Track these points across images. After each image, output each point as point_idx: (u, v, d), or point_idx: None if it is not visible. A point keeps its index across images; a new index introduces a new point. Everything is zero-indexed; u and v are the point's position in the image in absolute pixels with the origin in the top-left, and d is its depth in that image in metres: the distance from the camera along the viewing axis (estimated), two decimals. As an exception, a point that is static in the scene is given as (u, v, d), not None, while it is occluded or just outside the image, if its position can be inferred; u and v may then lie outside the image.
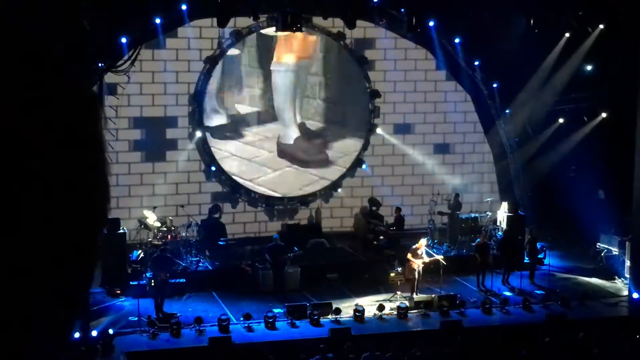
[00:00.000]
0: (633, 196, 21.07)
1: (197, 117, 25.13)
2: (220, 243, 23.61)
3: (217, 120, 25.72)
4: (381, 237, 23.73)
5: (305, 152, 26.52)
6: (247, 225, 25.84)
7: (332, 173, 26.74)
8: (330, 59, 26.47)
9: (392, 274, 22.32)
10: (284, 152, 26.45)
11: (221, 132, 25.81)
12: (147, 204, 23.90)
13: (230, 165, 25.67)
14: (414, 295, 20.58)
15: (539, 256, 23.31)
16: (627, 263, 22.59)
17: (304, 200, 26.42)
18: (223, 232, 24.34)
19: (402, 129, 27.29)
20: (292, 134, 26.51)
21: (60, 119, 1.08)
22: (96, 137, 1.13)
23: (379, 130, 26.89)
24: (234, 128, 25.96)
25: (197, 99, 25.08)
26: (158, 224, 22.61)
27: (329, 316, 19.52)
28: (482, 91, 26.26)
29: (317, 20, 24.95)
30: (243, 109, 26.14)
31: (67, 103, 1.10)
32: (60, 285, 1.09)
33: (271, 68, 26.05)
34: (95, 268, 1.15)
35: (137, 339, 18.33)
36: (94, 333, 17.75)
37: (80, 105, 1.12)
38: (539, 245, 23.45)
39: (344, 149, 26.89)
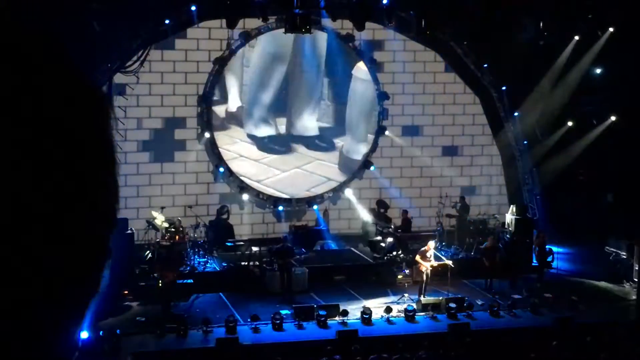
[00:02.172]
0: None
1: (205, 118, 25.16)
2: (228, 244, 23.64)
3: (265, 130, 25.80)
4: (389, 239, 23.69)
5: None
6: (255, 227, 25.85)
7: (340, 175, 26.73)
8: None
9: (399, 276, 22.30)
10: (345, 166, 26.55)
11: (270, 145, 25.91)
12: (156, 204, 23.94)
13: (238, 166, 25.67)
14: (422, 298, 20.52)
15: (547, 259, 23.25)
16: (636, 267, 22.56)
17: (312, 201, 26.40)
18: (231, 233, 24.36)
19: (410, 131, 27.26)
20: (361, 149, 26.65)
21: (70, 119, 1.08)
22: (106, 137, 1.13)
23: (387, 132, 26.88)
24: (284, 142, 26.06)
25: (205, 100, 25.11)
26: (166, 225, 22.62)
27: (336, 318, 19.48)
28: (491, 94, 26.20)
29: (326, 21, 24.96)
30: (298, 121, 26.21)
31: (77, 103, 1.10)
32: (69, 285, 1.09)
33: (352, 73, 26.13)
34: (104, 269, 1.14)
35: (145, 340, 18.35)
36: (101, 333, 17.76)
37: (90, 105, 1.12)
38: (547, 249, 23.39)
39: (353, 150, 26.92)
